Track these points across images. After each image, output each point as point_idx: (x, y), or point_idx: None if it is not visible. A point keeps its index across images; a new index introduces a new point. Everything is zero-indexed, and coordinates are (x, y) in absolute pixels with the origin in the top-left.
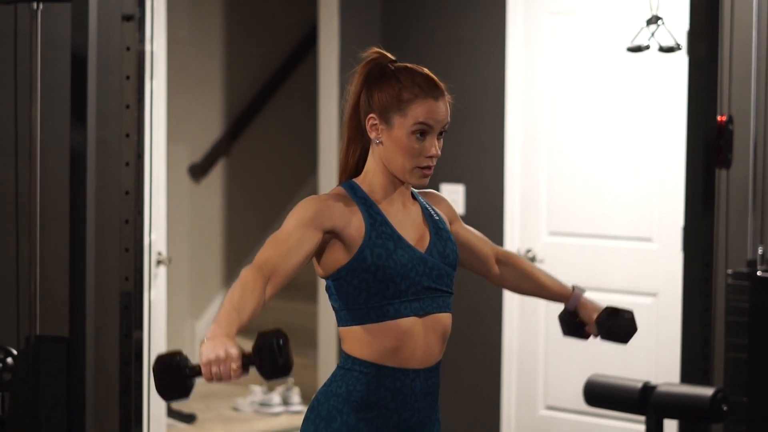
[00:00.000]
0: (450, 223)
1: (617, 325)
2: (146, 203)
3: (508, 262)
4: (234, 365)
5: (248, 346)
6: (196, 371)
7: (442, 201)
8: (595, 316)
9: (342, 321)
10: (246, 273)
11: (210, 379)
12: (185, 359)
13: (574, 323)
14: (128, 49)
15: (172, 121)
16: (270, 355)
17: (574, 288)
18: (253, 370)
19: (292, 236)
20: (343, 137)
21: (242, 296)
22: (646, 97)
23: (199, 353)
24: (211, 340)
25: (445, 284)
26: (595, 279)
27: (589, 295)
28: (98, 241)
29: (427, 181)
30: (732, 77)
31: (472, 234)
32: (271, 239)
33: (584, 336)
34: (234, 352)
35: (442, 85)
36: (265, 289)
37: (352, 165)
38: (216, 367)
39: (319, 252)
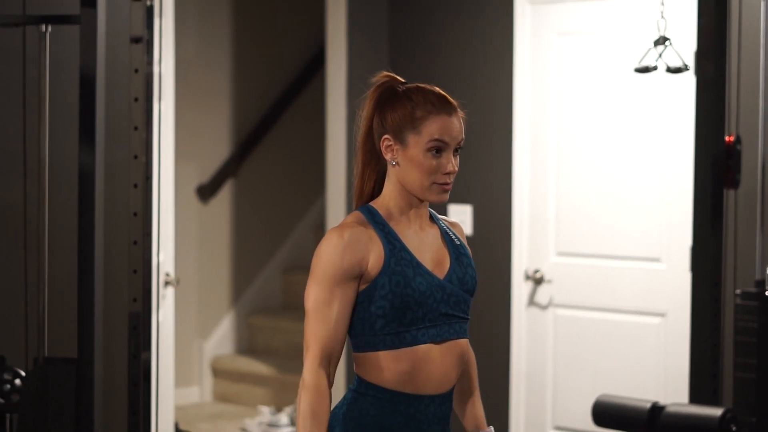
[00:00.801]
0: None
1: None
2: (154, 224)
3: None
4: None
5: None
6: None
7: (462, 232)
8: None
9: (358, 347)
10: (310, 379)
11: None
12: None
13: None
14: (136, 71)
15: (180, 142)
16: None
17: (490, 428)
18: None
19: (333, 305)
20: (357, 163)
21: (315, 421)
22: (654, 117)
23: None
24: None
25: (462, 310)
26: (603, 299)
27: (598, 315)
28: (106, 262)
29: (446, 197)
30: (740, 97)
31: None
32: (313, 312)
33: None
34: None
35: (454, 102)
36: (330, 381)
37: (368, 190)
38: None
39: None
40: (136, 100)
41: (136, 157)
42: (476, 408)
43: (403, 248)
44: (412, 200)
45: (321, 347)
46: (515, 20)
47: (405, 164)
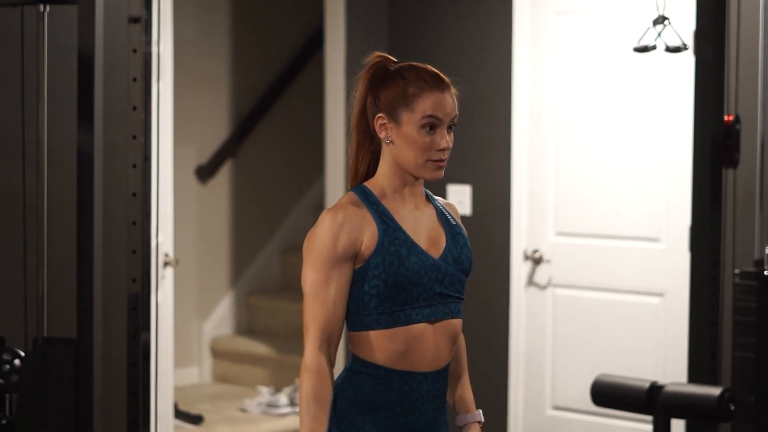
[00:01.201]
0: None
1: None
2: (153, 205)
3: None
4: None
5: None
6: None
7: (457, 213)
8: None
9: (352, 326)
10: (311, 362)
11: None
12: None
13: None
14: (135, 51)
15: (178, 122)
16: None
17: (470, 414)
18: None
19: (330, 287)
20: (352, 143)
21: (318, 404)
22: (653, 97)
23: None
24: None
25: (456, 290)
26: (602, 279)
27: (596, 294)
28: (105, 243)
29: (441, 174)
30: (739, 77)
31: None
32: (311, 295)
33: None
34: None
35: (447, 79)
36: (331, 364)
37: (363, 170)
38: None
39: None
40: (134, 80)
41: (134, 137)
42: (465, 391)
43: (397, 228)
44: (407, 179)
45: (320, 329)
46: (514, 0)
47: (399, 142)
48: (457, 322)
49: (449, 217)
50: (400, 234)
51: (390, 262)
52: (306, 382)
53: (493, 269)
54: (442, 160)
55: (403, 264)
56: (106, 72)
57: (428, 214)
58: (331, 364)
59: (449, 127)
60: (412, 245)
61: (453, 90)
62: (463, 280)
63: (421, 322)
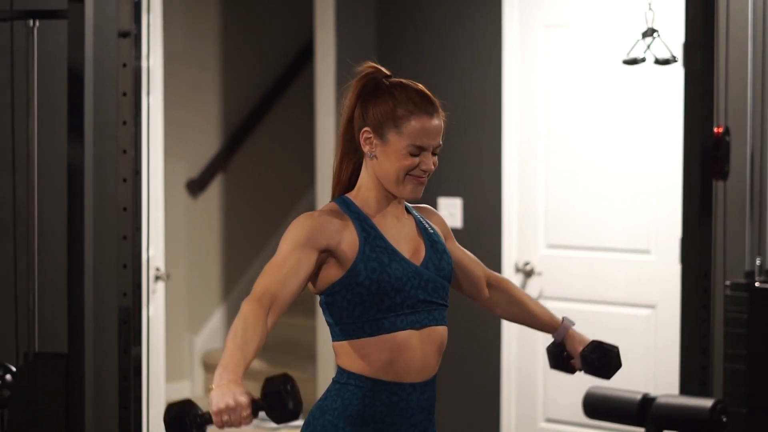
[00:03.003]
0: (444, 240)
1: (601, 360)
2: (144, 219)
3: (499, 286)
4: (244, 413)
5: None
6: (207, 419)
7: (436, 216)
8: (580, 349)
9: (336, 336)
10: (246, 307)
11: (221, 426)
12: (196, 409)
13: (561, 356)
14: (124, 65)
15: (169, 136)
16: (279, 401)
17: (563, 320)
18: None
19: (289, 260)
20: (337, 151)
21: (245, 334)
22: (643, 109)
23: (209, 400)
24: (219, 388)
25: (440, 297)
26: (593, 291)
27: (588, 307)
28: (96, 257)
29: (420, 193)
30: (728, 88)
31: (464, 254)
32: (268, 266)
33: (570, 370)
34: (243, 399)
35: (436, 101)
36: (266, 320)
37: (345, 179)
38: (227, 416)
39: (315, 270)
40: (124, 94)
41: (125, 151)
42: (541, 311)
43: (378, 236)
44: (388, 193)
45: (264, 290)
46: (503, 12)
47: (383, 159)
48: (443, 330)
49: (427, 226)
50: (381, 242)
51: (372, 269)
52: (234, 325)
53: None
54: (422, 177)
55: (385, 270)
56: (95, 86)
57: (409, 225)
58: (266, 323)
59: (434, 151)
60: (393, 252)
61: (441, 113)
62: (446, 286)
63: (406, 329)
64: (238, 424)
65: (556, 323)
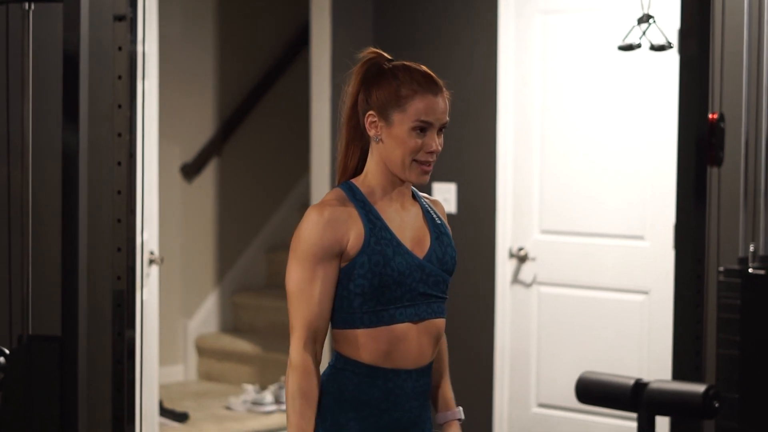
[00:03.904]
0: None
1: None
2: (138, 203)
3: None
4: None
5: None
6: None
7: (443, 211)
8: None
9: (336, 324)
10: (297, 360)
11: None
12: None
13: None
14: (120, 49)
15: (164, 120)
16: None
17: (450, 412)
18: None
19: (316, 284)
20: (342, 139)
21: (305, 403)
22: (638, 95)
23: None
24: None
25: (440, 290)
26: (587, 277)
27: (581, 292)
28: (90, 241)
29: (427, 178)
30: (723, 75)
31: None
32: (296, 293)
33: None
34: None
35: (440, 81)
36: (317, 361)
37: (352, 166)
38: None
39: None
40: (119, 78)
41: (120, 135)
42: (446, 389)
43: (384, 227)
44: (395, 178)
45: (306, 326)
46: None
47: (388, 141)
48: (441, 322)
49: (435, 216)
50: (386, 233)
51: (376, 262)
52: (292, 379)
53: (478, 267)
54: (428, 164)
55: (388, 264)
56: (91, 70)
57: (414, 214)
58: (317, 361)
59: (439, 130)
60: (397, 245)
61: (445, 93)
62: (446, 280)
63: (404, 321)
64: None
65: (449, 406)
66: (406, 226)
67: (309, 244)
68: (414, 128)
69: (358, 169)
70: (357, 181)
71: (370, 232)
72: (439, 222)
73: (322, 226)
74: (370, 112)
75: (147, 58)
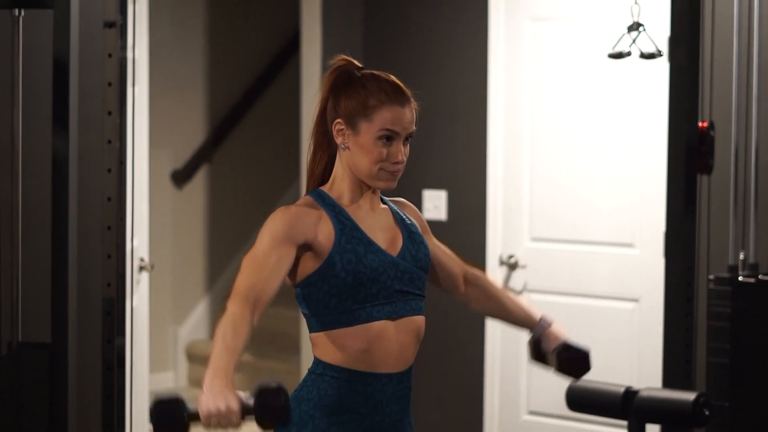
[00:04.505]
0: (422, 233)
1: (570, 361)
2: (128, 209)
3: (476, 282)
4: (234, 418)
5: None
6: (195, 418)
7: (411, 209)
8: (553, 347)
9: (313, 327)
10: (232, 307)
11: (208, 428)
12: (184, 407)
13: (538, 351)
14: (110, 55)
15: (154, 127)
16: (271, 413)
17: (541, 319)
18: None
19: (270, 258)
20: (310, 144)
21: (234, 335)
22: (628, 103)
23: (198, 402)
24: (210, 391)
25: (417, 287)
26: (577, 284)
27: (571, 300)
28: (80, 248)
29: (394, 184)
30: (713, 83)
31: (440, 250)
32: (249, 262)
33: (547, 365)
34: (234, 406)
35: (408, 91)
36: (252, 319)
37: (319, 172)
38: (216, 420)
39: (293, 264)
40: (109, 84)
41: (109, 142)
42: (520, 305)
43: (354, 227)
44: (362, 184)
45: (250, 288)
46: (489, 6)
47: (355, 150)
48: (420, 320)
49: (404, 216)
50: (356, 233)
51: (348, 260)
52: (220, 325)
53: None
54: (396, 172)
55: (360, 261)
56: (81, 76)
57: (384, 215)
58: (251, 322)
59: (405, 139)
60: (369, 243)
61: (413, 104)
62: (422, 276)
63: (382, 319)
64: (226, 428)
65: (533, 321)
66: (378, 227)
67: (273, 226)
68: (380, 137)
69: (326, 175)
70: (325, 188)
71: (340, 232)
72: (408, 222)
73: (287, 217)
74: (338, 120)
75: (137, 64)
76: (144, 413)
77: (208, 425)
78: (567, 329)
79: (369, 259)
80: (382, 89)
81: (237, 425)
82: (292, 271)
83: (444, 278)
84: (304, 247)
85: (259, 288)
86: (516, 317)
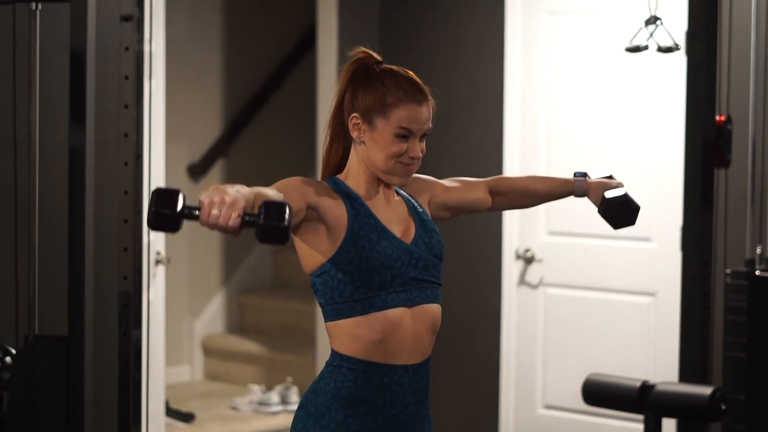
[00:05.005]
0: (434, 197)
1: (617, 211)
2: (145, 203)
3: (502, 190)
4: (235, 213)
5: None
6: (195, 210)
7: (417, 180)
8: (601, 198)
9: (329, 316)
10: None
11: (206, 220)
12: (184, 198)
13: (598, 206)
14: (127, 49)
15: (170, 120)
16: (275, 214)
17: (575, 180)
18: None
19: (283, 191)
20: (327, 135)
21: (260, 188)
22: (645, 97)
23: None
24: (216, 187)
25: (432, 275)
26: (593, 278)
27: (588, 294)
28: (97, 241)
29: (408, 180)
30: (730, 77)
31: (454, 189)
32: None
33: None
34: (240, 200)
35: (426, 89)
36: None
37: (335, 163)
38: (216, 210)
39: (304, 238)
40: (126, 78)
41: (126, 135)
42: (553, 179)
43: (368, 213)
44: (376, 177)
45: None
46: (506, 0)
47: (371, 145)
48: (436, 308)
49: (416, 204)
50: (370, 219)
51: (361, 246)
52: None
53: (484, 268)
54: (410, 164)
55: (374, 247)
56: (97, 70)
57: (399, 207)
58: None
59: (422, 136)
60: (382, 230)
61: (430, 101)
62: (437, 264)
63: (397, 306)
64: (224, 224)
65: (571, 186)
66: (392, 217)
67: (281, 182)
68: (396, 135)
69: (341, 166)
70: (341, 176)
71: (353, 218)
72: (420, 210)
73: (301, 178)
74: (354, 114)
75: (154, 58)
76: (160, 406)
77: (206, 217)
78: (604, 172)
79: (383, 246)
80: (400, 86)
81: (235, 225)
82: (308, 255)
83: (472, 207)
84: (315, 214)
85: (280, 189)
86: (555, 194)
